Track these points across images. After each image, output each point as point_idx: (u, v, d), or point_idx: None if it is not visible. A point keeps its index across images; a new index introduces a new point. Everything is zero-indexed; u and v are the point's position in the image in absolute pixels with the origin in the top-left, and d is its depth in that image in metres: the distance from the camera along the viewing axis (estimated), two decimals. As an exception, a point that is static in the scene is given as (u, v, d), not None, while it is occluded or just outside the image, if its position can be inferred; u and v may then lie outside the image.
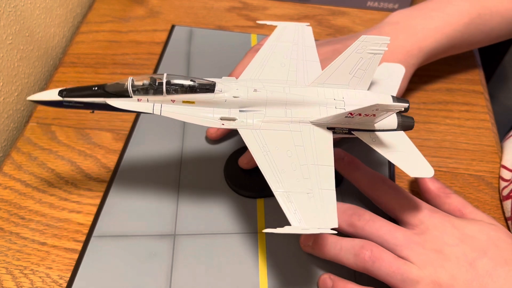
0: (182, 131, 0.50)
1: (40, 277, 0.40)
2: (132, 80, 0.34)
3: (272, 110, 0.35)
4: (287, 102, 0.35)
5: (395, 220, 0.39)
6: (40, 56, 0.57)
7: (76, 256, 0.41)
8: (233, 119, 0.35)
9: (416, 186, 0.46)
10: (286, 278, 0.40)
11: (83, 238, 0.42)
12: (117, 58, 0.57)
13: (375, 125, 0.36)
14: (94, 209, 0.44)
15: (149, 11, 0.63)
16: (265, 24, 0.61)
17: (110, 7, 0.64)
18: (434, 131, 0.50)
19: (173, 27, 0.60)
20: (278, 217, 0.43)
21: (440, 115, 0.52)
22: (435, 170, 0.47)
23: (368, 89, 0.38)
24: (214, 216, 0.43)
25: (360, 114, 0.33)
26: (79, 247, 0.42)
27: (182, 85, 0.34)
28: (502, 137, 0.52)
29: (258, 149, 0.34)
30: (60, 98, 0.34)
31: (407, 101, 0.38)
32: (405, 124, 0.37)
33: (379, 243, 0.36)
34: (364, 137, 0.36)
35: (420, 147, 0.49)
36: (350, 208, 0.38)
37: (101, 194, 0.45)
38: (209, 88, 0.34)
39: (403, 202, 0.38)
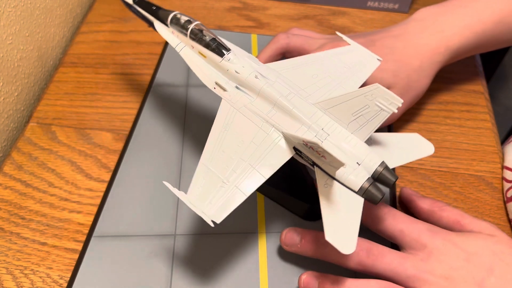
0: (183, 131, 0.50)
1: (40, 277, 0.40)
2: (176, 15, 0.38)
3: (259, 102, 0.35)
4: (276, 103, 0.34)
5: (396, 244, 0.38)
6: (40, 56, 0.57)
7: (76, 256, 0.41)
8: (224, 89, 0.36)
9: (415, 187, 0.46)
10: (286, 278, 0.40)
11: (83, 238, 0.42)
12: (117, 58, 0.57)
13: (337, 173, 0.32)
14: (94, 209, 0.44)
15: (149, 11, 0.63)
16: (268, 25, 0.61)
17: (110, 7, 0.64)
18: (435, 131, 0.50)
19: (173, 27, 0.60)
20: (279, 217, 0.43)
21: (441, 115, 0.52)
22: (435, 170, 0.47)
23: (371, 145, 0.35)
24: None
25: (312, 148, 0.32)
26: (79, 247, 0.42)
27: (202, 38, 0.37)
28: (503, 137, 0.52)
29: (221, 123, 0.35)
30: (131, 2, 0.41)
31: (395, 177, 0.33)
32: (369, 194, 0.32)
33: (390, 277, 0.35)
34: (320, 177, 0.33)
35: (420, 147, 0.49)
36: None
37: (101, 194, 0.45)
38: (221, 52, 0.36)
39: (402, 227, 0.37)
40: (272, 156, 0.34)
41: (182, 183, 0.45)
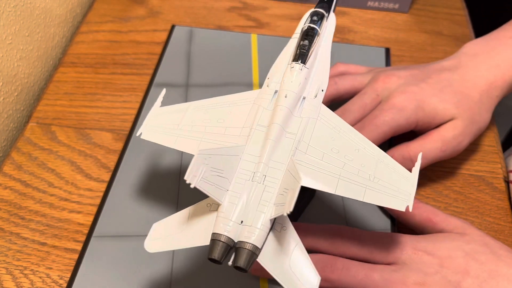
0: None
1: (40, 277, 0.40)
2: (317, 11, 0.37)
3: (267, 114, 0.33)
4: (270, 125, 0.32)
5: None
6: (40, 56, 0.57)
7: (76, 256, 0.41)
8: (268, 85, 0.35)
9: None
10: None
11: (83, 238, 0.42)
12: (117, 58, 0.57)
13: (220, 208, 0.31)
14: (94, 209, 0.44)
15: (149, 11, 0.63)
16: (268, 25, 0.61)
17: (110, 7, 0.63)
18: (435, 131, 0.50)
19: (173, 27, 0.60)
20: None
21: (441, 115, 0.52)
22: (435, 170, 0.47)
23: (279, 232, 0.30)
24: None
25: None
26: (79, 247, 0.42)
27: (303, 38, 0.36)
28: (503, 137, 0.52)
29: (233, 99, 0.36)
30: None
31: (245, 266, 0.29)
32: (213, 245, 0.29)
33: None
34: (211, 199, 0.32)
35: (420, 147, 0.49)
36: (319, 260, 0.36)
37: (101, 194, 0.45)
38: (295, 59, 0.35)
39: (370, 247, 0.36)
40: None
41: (182, 181, 0.45)
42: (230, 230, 0.29)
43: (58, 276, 0.40)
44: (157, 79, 0.55)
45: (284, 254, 0.30)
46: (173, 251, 0.41)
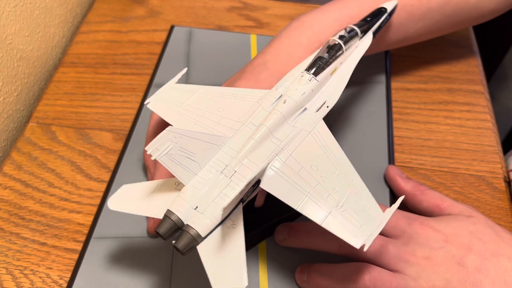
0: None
1: (40, 277, 0.40)
2: (353, 27, 0.38)
3: (263, 113, 0.34)
4: (260, 125, 0.32)
5: None
6: (40, 56, 0.57)
7: (76, 256, 0.41)
8: (277, 88, 0.35)
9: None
10: (286, 278, 0.40)
11: (83, 238, 0.42)
12: (117, 58, 0.57)
13: (182, 189, 0.32)
14: (94, 209, 0.44)
15: (149, 11, 0.63)
16: (268, 25, 0.61)
17: (110, 7, 0.63)
18: (435, 131, 0.50)
19: (172, 27, 0.60)
20: (279, 217, 0.43)
21: (441, 115, 0.52)
22: (436, 170, 0.47)
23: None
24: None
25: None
26: (79, 247, 0.42)
27: (325, 51, 0.36)
28: (503, 137, 0.52)
29: (240, 93, 0.36)
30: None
31: (182, 248, 0.29)
32: (163, 220, 0.30)
33: (373, 260, 0.36)
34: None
35: (420, 147, 0.49)
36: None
37: (101, 194, 0.45)
38: (309, 69, 0.35)
39: None
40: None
41: (182, 183, 0.45)
42: (182, 212, 0.30)
43: (58, 276, 0.40)
44: (157, 79, 0.55)
45: (223, 251, 0.30)
46: (173, 251, 0.41)
